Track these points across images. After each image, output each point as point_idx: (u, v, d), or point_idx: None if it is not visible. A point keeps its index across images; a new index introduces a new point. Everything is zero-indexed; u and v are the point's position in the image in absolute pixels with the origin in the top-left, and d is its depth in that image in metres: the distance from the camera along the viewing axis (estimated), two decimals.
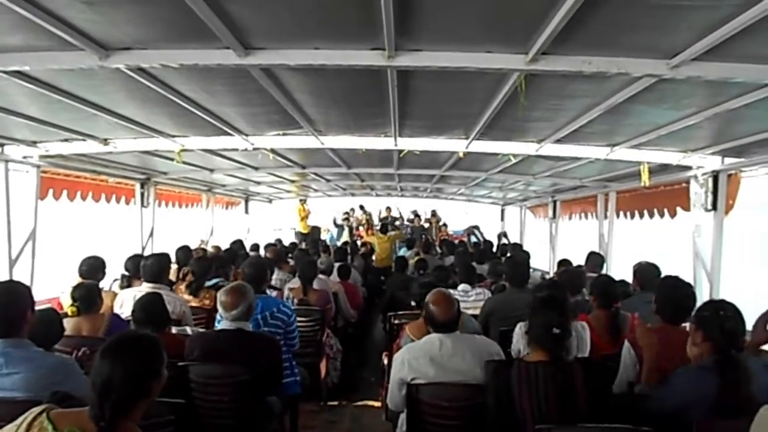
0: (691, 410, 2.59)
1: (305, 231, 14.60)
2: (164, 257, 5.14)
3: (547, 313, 2.81)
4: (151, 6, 2.67)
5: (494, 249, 11.90)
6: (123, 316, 4.34)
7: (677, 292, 3.39)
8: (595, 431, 2.58)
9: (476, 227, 15.88)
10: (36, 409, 1.97)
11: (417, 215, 16.43)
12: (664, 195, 7.35)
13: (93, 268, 5.05)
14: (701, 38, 2.76)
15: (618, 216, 8.78)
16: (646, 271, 4.97)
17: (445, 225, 15.87)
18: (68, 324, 3.92)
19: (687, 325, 3.18)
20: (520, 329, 3.90)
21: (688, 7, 2.49)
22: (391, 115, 4.76)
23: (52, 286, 6.20)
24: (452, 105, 4.65)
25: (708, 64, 3.05)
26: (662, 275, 4.64)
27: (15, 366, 2.54)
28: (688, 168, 6.18)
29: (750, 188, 6.01)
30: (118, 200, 8.43)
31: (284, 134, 5.82)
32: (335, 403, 5.73)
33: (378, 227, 13.97)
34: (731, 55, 2.96)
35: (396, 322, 5.35)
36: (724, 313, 2.68)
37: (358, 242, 14.33)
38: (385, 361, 4.80)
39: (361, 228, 15.66)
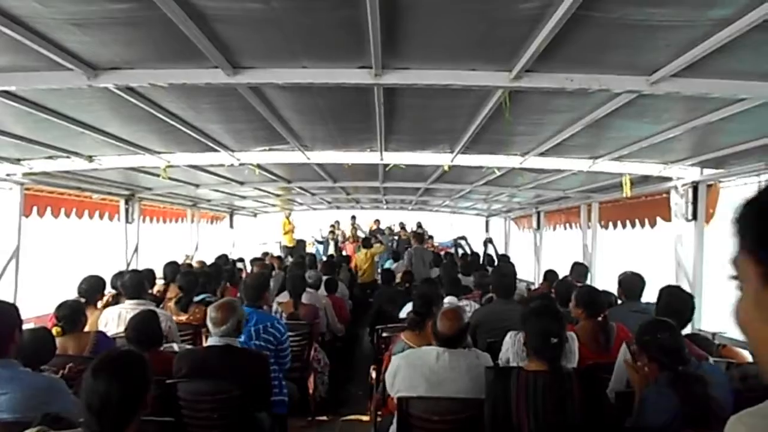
0: (668, 427, 2.65)
1: (291, 245, 14.58)
2: (143, 272, 5.11)
3: (544, 322, 2.84)
4: (141, 27, 2.69)
5: (480, 257, 11.97)
6: (108, 334, 4.31)
7: (672, 301, 3.53)
8: None
9: (463, 238, 15.88)
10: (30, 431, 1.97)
11: (403, 227, 16.39)
12: (645, 205, 7.47)
13: (92, 287, 5.00)
14: (679, 56, 2.85)
15: (601, 226, 8.90)
16: (630, 281, 5.03)
17: (431, 237, 15.86)
18: None
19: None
20: (510, 338, 3.94)
21: (666, 26, 2.56)
22: (378, 131, 4.81)
23: (36, 304, 6.13)
24: (438, 120, 4.71)
25: (686, 80, 3.15)
26: (645, 284, 4.75)
27: (2, 386, 2.51)
28: (669, 179, 6.29)
29: (729, 198, 6.13)
30: (102, 216, 8.38)
31: (270, 149, 5.84)
32: (324, 417, 5.70)
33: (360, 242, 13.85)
34: (708, 71, 3.06)
35: (384, 335, 5.37)
36: (661, 336, 2.79)
37: (344, 252, 14.31)
38: (373, 375, 4.80)
39: (346, 243, 15.60)
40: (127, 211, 8.69)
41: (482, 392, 3.14)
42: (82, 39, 2.78)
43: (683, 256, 6.24)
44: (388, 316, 6.58)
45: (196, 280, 5.78)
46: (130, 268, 8.04)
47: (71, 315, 3.97)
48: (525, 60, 2.91)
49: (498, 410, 2.78)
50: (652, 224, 7.38)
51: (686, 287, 6.05)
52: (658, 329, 2.85)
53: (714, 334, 4.98)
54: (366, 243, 12.45)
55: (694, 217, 6.06)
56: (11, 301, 4.42)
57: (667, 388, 2.66)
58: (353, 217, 16.17)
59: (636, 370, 2.93)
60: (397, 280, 8.80)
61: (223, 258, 9.53)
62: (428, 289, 5.53)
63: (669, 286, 3.85)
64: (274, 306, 5.84)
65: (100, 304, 5.21)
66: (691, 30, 2.60)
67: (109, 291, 5.67)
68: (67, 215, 7.45)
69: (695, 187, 6.05)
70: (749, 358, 4.96)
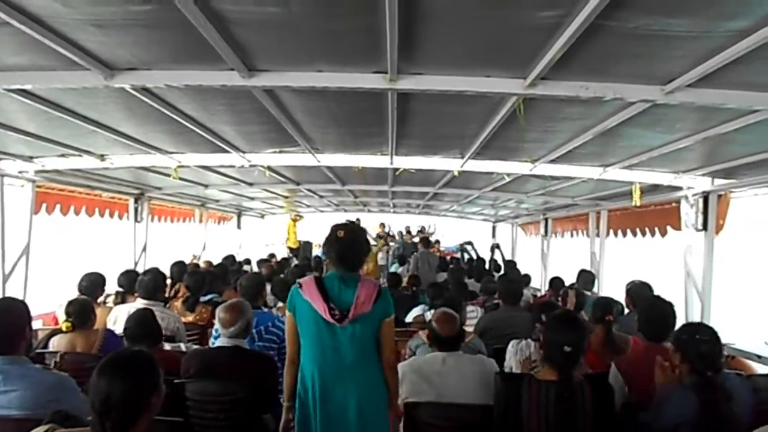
0: (680, 429, 2.64)
1: (295, 246, 14.58)
2: (161, 274, 5.13)
3: (561, 330, 2.81)
4: (160, 29, 2.70)
5: (487, 263, 11.96)
6: (117, 332, 4.32)
7: (656, 311, 3.47)
8: None
9: (469, 243, 15.86)
10: (39, 429, 1.98)
11: (408, 231, 16.36)
12: (655, 214, 7.44)
13: (93, 283, 5.03)
14: (695, 66, 2.84)
15: (609, 234, 8.87)
16: (639, 290, 5.02)
17: (437, 241, 15.84)
18: (62, 340, 3.92)
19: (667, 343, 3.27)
20: (512, 347, 3.94)
21: (683, 37, 2.56)
22: (389, 135, 4.82)
23: (45, 300, 6.16)
24: (450, 126, 4.71)
25: (701, 90, 3.14)
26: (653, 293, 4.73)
27: (12, 383, 2.52)
28: (679, 188, 6.26)
29: (739, 209, 6.11)
30: (111, 215, 8.42)
31: (281, 152, 5.85)
32: None
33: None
34: (723, 82, 3.05)
35: None
36: (700, 337, 2.77)
37: None
38: None
39: None
40: (136, 210, 8.72)
41: (489, 398, 3.14)
42: (100, 39, 2.80)
43: (693, 266, 6.20)
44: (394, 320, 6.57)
45: (203, 280, 5.79)
46: (138, 267, 8.08)
47: (81, 311, 3.99)
48: (540, 68, 2.91)
49: (508, 416, 2.77)
50: (663, 233, 7.34)
51: (695, 298, 6.07)
52: (698, 331, 2.81)
53: (723, 346, 4.95)
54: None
55: (705, 227, 6.02)
56: (21, 297, 4.48)
57: (690, 393, 2.64)
58: (358, 220, 16.11)
59: (663, 370, 2.91)
60: (403, 284, 8.80)
61: (230, 258, 9.57)
62: (455, 295, 5.54)
63: (650, 298, 3.81)
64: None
65: (100, 300, 5.25)
66: (707, 41, 2.60)
67: (116, 289, 5.73)
68: (77, 213, 7.49)
69: (706, 197, 6.01)
70: (758, 369, 4.95)
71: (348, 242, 2.88)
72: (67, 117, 4.20)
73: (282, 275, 7.69)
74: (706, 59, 2.74)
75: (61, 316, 4.36)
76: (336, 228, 2.91)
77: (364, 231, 3.28)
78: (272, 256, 11.51)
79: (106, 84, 3.23)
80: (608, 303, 4.27)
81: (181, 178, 7.17)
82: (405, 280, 9.09)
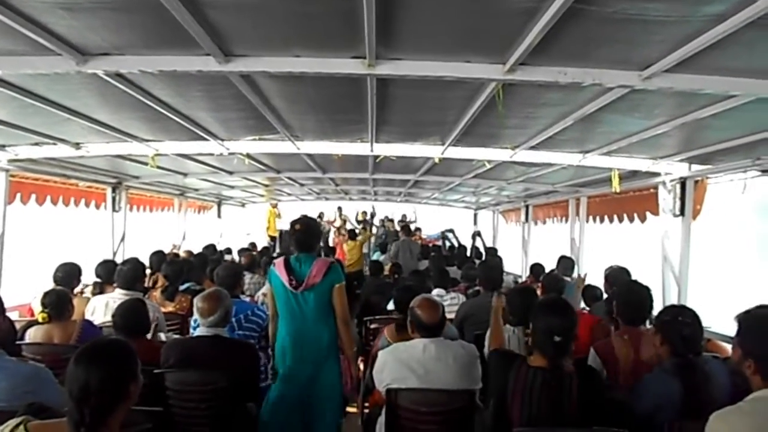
0: (660, 413, 2.67)
1: (276, 235, 14.53)
2: (139, 264, 5.07)
3: (549, 319, 2.72)
4: (132, 12, 2.64)
5: (468, 250, 12.03)
6: (95, 323, 4.28)
7: (634, 295, 3.51)
8: None
9: (451, 230, 15.93)
10: (12, 422, 1.94)
11: (390, 219, 16.38)
12: (633, 200, 7.51)
13: (68, 274, 4.96)
14: (672, 51, 2.85)
15: (589, 220, 8.96)
16: (617, 275, 5.10)
17: (419, 229, 15.89)
18: (39, 331, 3.87)
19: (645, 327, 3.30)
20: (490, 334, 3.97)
21: (661, 22, 2.56)
22: (369, 122, 4.79)
23: (21, 292, 6.06)
24: (429, 112, 4.69)
25: (679, 75, 3.15)
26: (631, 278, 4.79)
27: None
28: (657, 174, 6.32)
29: (716, 194, 6.20)
30: (88, 204, 8.29)
31: (260, 139, 5.80)
32: None
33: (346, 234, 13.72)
34: (700, 67, 3.06)
35: (372, 326, 5.37)
36: (682, 319, 2.79)
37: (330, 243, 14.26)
38: (361, 366, 4.81)
39: (332, 233, 15.53)
40: (114, 199, 8.58)
41: (470, 383, 3.17)
42: (70, 23, 2.72)
43: (670, 251, 6.29)
44: (375, 307, 6.60)
45: (181, 269, 5.76)
46: (117, 257, 7.98)
47: (58, 302, 3.94)
48: (519, 53, 2.90)
49: (497, 395, 2.76)
50: (641, 219, 7.43)
51: (672, 282, 6.16)
52: (681, 313, 2.84)
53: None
54: (352, 236, 12.38)
55: (682, 212, 6.10)
56: None
57: (671, 375, 2.67)
58: (339, 209, 16.08)
59: (625, 344, 2.94)
60: (386, 272, 8.81)
61: (210, 248, 9.49)
62: (414, 284, 5.56)
63: (627, 283, 3.85)
64: (260, 298, 5.82)
65: (77, 291, 5.19)
66: (685, 26, 2.60)
67: (93, 279, 5.66)
68: (53, 203, 7.35)
69: (683, 182, 6.09)
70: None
71: (302, 232, 3.89)
72: (40, 104, 4.11)
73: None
74: (684, 44, 2.75)
75: (37, 308, 4.29)
76: (294, 222, 3.94)
77: (316, 223, 4.38)
78: (253, 245, 11.45)
79: (78, 69, 3.15)
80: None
81: (159, 167, 7.08)
82: (387, 268, 9.10)
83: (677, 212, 6.14)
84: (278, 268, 3.76)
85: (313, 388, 3.77)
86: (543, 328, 2.72)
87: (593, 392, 2.72)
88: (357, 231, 12.89)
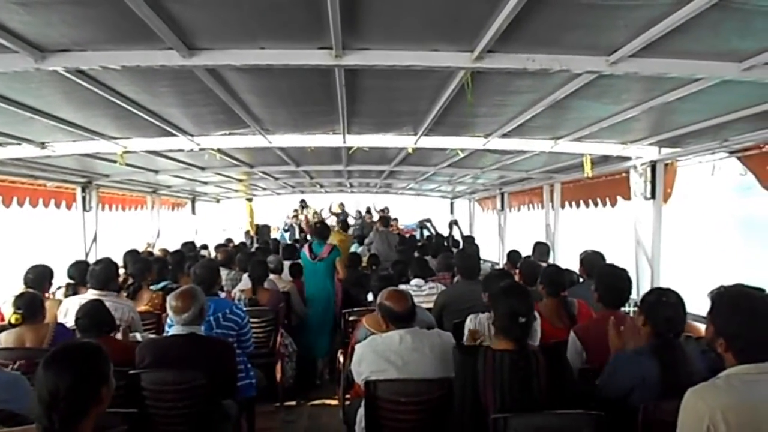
0: (635, 393, 2.71)
1: (252, 230, 14.41)
2: (113, 264, 4.98)
3: (512, 301, 2.82)
4: (90, 6, 2.57)
5: (446, 239, 12.06)
6: (68, 325, 4.20)
7: (614, 278, 3.56)
8: (549, 417, 2.67)
9: (428, 220, 15.95)
10: None
11: (369, 211, 16.30)
12: (605, 185, 7.60)
13: (39, 276, 4.85)
14: (637, 36, 2.87)
15: (563, 206, 9.04)
16: (592, 259, 5.15)
17: (395, 219, 15.84)
18: (10, 335, 3.78)
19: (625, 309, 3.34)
20: (470, 321, 3.99)
21: (625, 6, 2.58)
22: (340, 113, 4.76)
23: None
24: (401, 102, 4.68)
25: (644, 60, 3.17)
26: (606, 262, 4.84)
27: None
28: (628, 158, 6.40)
29: (687, 177, 6.30)
30: (58, 205, 8.11)
31: (231, 134, 5.74)
32: (292, 402, 5.70)
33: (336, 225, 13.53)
34: (666, 51, 3.09)
35: (351, 318, 5.37)
36: (666, 300, 2.83)
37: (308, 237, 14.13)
38: (341, 359, 4.80)
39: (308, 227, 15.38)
40: (84, 199, 8.40)
41: (448, 371, 3.17)
42: (26, 19, 2.64)
43: (642, 234, 6.38)
44: (354, 299, 6.60)
45: (147, 267, 5.68)
46: (89, 257, 7.84)
47: (31, 304, 3.84)
48: (486, 40, 2.90)
49: (467, 389, 2.79)
50: (613, 203, 7.53)
51: (645, 264, 6.25)
52: (665, 294, 2.88)
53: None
54: (344, 227, 12.27)
55: (653, 196, 6.19)
56: None
57: (649, 357, 2.71)
58: (302, 201, 15.76)
59: (618, 335, 2.98)
60: (363, 263, 8.80)
61: (188, 245, 9.37)
62: (391, 274, 5.57)
63: (607, 266, 3.89)
64: (237, 294, 5.78)
65: (49, 293, 5.08)
66: (649, 9, 2.61)
67: (66, 281, 5.55)
68: (20, 204, 7.17)
69: (653, 166, 6.16)
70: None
71: (319, 229, 7.47)
72: (0, 103, 4.00)
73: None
74: (648, 28, 2.76)
75: (8, 312, 4.20)
76: (316, 223, 6.89)
77: (326, 224, 7.87)
78: (229, 241, 11.35)
79: (37, 67, 3.06)
80: (560, 275, 4.32)
81: (128, 164, 6.97)
82: (365, 260, 9.09)
83: (648, 195, 6.22)
84: (305, 249, 7.08)
85: (323, 309, 6.79)
86: (507, 312, 2.80)
87: (559, 369, 2.81)
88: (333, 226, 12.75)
